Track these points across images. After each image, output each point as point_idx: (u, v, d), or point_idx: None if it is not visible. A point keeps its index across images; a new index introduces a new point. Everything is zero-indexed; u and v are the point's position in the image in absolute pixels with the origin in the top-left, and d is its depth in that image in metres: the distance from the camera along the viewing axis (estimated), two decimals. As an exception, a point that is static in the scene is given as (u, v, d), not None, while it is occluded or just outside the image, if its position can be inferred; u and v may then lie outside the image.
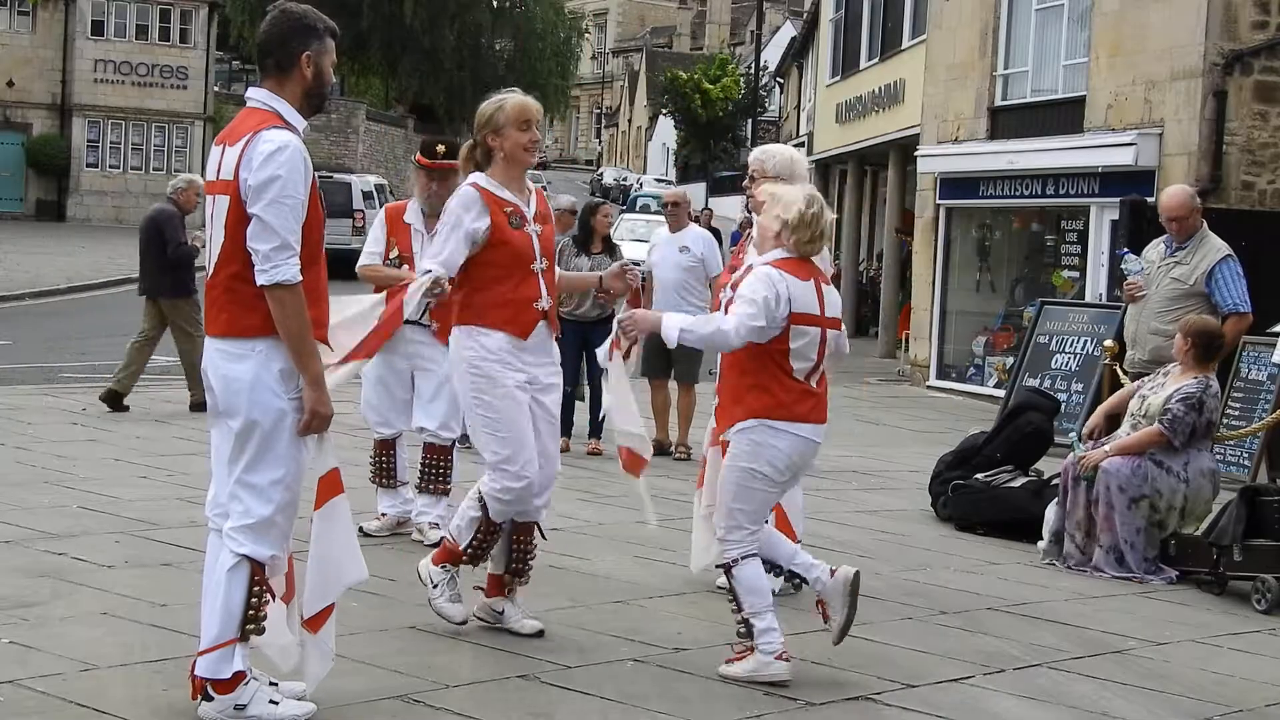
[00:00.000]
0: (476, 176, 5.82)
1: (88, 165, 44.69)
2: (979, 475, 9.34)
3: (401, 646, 5.61)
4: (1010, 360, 16.29)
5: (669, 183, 65.20)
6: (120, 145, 44.87)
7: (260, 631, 4.65)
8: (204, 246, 5.01)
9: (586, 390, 11.71)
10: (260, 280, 4.47)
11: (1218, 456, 9.00)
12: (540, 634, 5.86)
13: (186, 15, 45.60)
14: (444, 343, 7.51)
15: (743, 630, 5.60)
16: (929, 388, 19.43)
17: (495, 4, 58.73)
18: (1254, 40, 14.42)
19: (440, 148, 7.58)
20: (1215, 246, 8.93)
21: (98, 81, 44.39)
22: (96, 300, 25.01)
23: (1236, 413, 11.19)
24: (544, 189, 6.58)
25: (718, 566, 5.80)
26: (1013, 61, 18.46)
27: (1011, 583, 7.71)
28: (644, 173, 74.18)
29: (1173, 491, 8.00)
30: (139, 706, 4.77)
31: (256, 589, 4.59)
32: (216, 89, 49.34)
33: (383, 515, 7.70)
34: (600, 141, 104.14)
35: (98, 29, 44.45)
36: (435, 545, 7.33)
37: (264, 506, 4.58)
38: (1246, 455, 10.98)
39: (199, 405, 12.58)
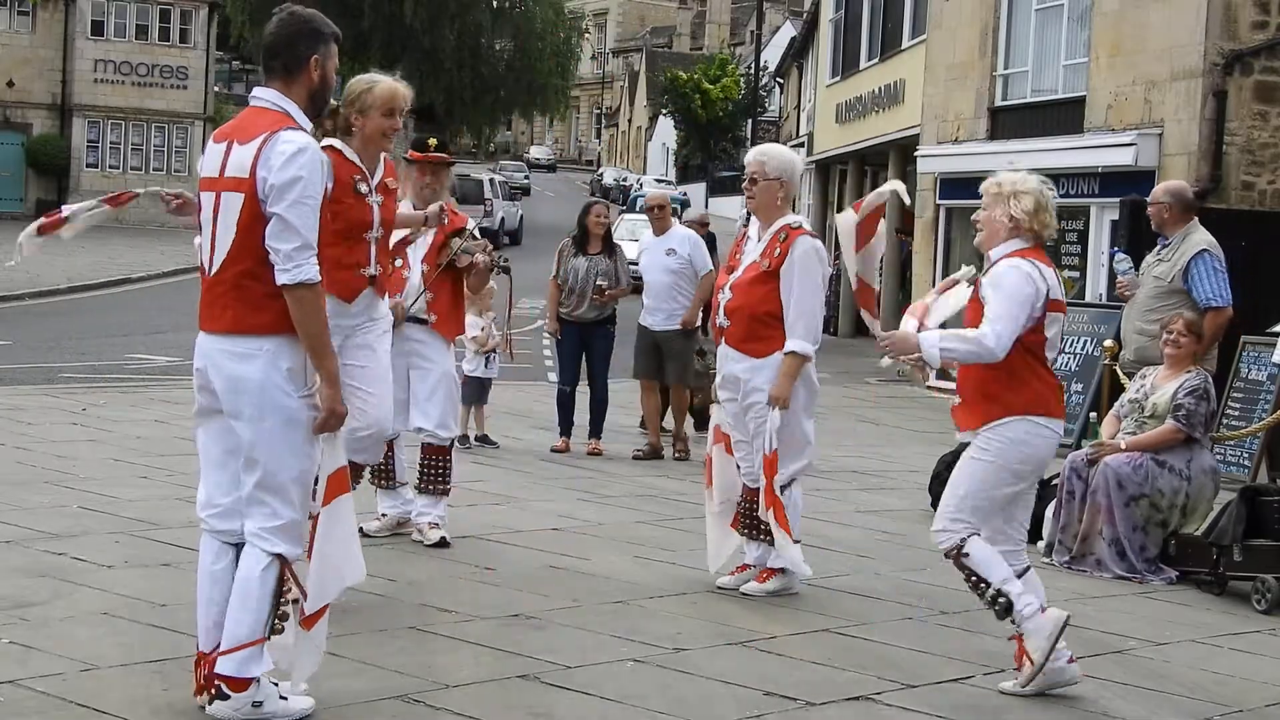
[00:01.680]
0: (333, 140, 6.08)
1: (88, 165, 44.67)
2: (979, 475, 9.32)
3: (401, 646, 5.61)
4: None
5: (669, 183, 65.19)
6: (120, 145, 44.87)
7: (281, 630, 4.68)
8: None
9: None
10: (282, 280, 4.48)
11: (1218, 456, 9.01)
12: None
13: (186, 15, 45.60)
14: (443, 333, 7.55)
15: (999, 607, 5.53)
16: (929, 388, 19.42)
17: (495, 4, 58.67)
18: (1254, 40, 14.44)
19: (431, 141, 7.71)
20: (1195, 242, 8.90)
21: (98, 81, 44.39)
22: (96, 300, 25.03)
23: (1236, 413, 11.19)
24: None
25: (946, 557, 5.65)
26: (1013, 61, 18.48)
27: (1011, 583, 7.70)
28: (644, 173, 74.13)
29: (1175, 490, 8.01)
30: (139, 706, 4.77)
31: (285, 588, 4.64)
32: (216, 89, 49.36)
33: (383, 516, 7.70)
34: (600, 141, 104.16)
35: (98, 29, 44.44)
36: (435, 545, 7.38)
37: (289, 507, 4.62)
38: (1246, 455, 10.97)
39: None
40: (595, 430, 11.31)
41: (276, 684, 4.71)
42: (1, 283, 25.24)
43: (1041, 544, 8.38)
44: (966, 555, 5.57)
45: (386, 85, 6.07)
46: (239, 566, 4.64)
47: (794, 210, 7.17)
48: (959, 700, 5.51)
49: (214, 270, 4.63)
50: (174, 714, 4.73)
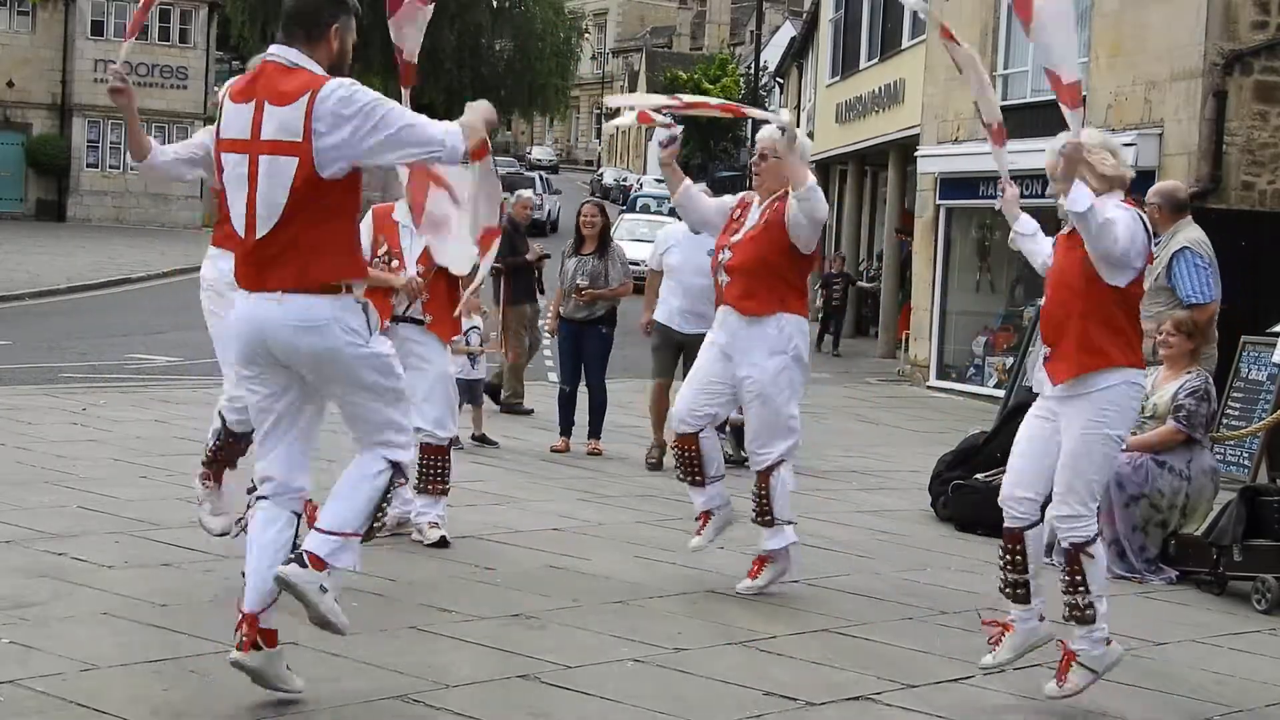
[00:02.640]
0: None
1: (88, 165, 44.70)
2: (979, 475, 9.34)
3: (401, 646, 5.61)
4: (1010, 360, 16.29)
5: (669, 183, 65.06)
6: (120, 145, 44.75)
7: (373, 536, 4.93)
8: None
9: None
10: (457, 156, 4.66)
11: (1218, 456, 9.01)
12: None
13: (186, 15, 45.62)
14: (438, 334, 7.56)
15: (1081, 615, 5.44)
16: (929, 388, 19.43)
17: (495, 4, 58.62)
18: (1254, 40, 14.43)
19: None
20: (1178, 240, 8.92)
21: (98, 81, 44.26)
22: (96, 300, 25.02)
23: (1236, 413, 11.19)
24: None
25: (1072, 547, 5.45)
26: (1013, 61, 18.47)
27: (1011, 583, 7.70)
28: (644, 173, 74.07)
29: (1175, 491, 8.01)
30: (139, 706, 4.77)
31: (389, 497, 4.87)
32: (216, 89, 49.29)
33: (382, 515, 7.69)
34: (600, 141, 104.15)
35: (98, 29, 44.43)
36: (435, 545, 7.38)
37: (404, 427, 4.87)
38: (1246, 455, 10.97)
39: (509, 408, 12.75)
40: (594, 430, 11.30)
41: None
42: (1, 283, 25.25)
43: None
44: (1091, 556, 5.45)
45: None
46: (355, 464, 4.83)
47: None
48: (959, 700, 5.51)
49: (262, 233, 4.64)
50: (174, 714, 4.73)
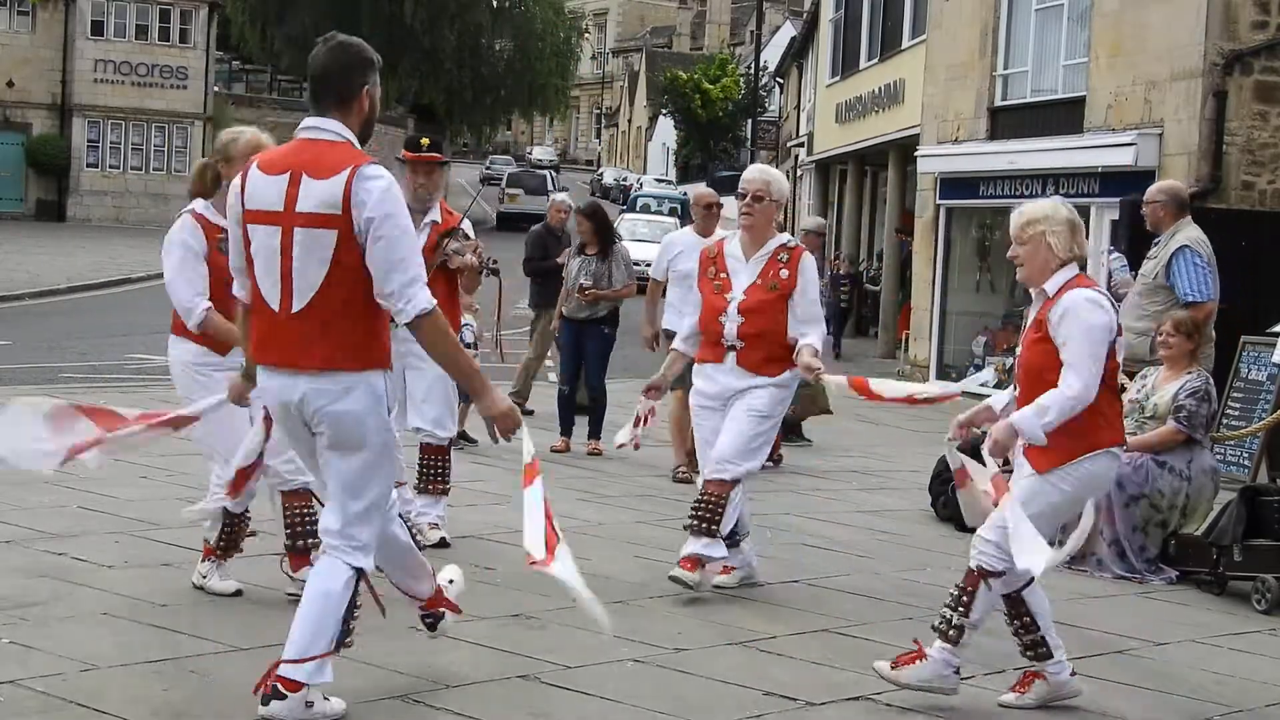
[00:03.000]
0: (197, 203, 6.28)
1: (88, 165, 44.70)
2: (979, 475, 9.33)
3: (401, 646, 5.61)
4: (1010, 360, 16.29)
5: (669, 183, 65.10)
6: (120, 145, 44.89)
7: (350, 645, 4.82)
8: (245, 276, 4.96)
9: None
10: (403, 319, 4.53)
11: (1218, 456, 9.01)
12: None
13: (186, 15, 45.60)
14: None
15: (1033, 653, 5.48)
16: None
17: (495, 4, 58.62)
18: (1254, 40, 14.42)
19: (424, 141, 7.74)
20: (1178, 239, 8.93)
21: (98, 81, 44.39)
22: (96, 300, 25.03)
23: (1236, 413, 11.19)
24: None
25: (982, 577, 5.41)
26: (1013, 61, 18.47)
27: (1011, 583, 7.70)
28: (644, 173, 74.12)
29: (1175, 491, 8.01)
30: (139, 706, 4.77)
31: (357, 602, 4.76)
32: (216, 89, 49.32)
33: (383, 515, 7.69)
34: (600, 141, 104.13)
35: (98, 29, 44.45)
36: (435, 545, 7.37)
37: (374, 526, 4.76)
38: (1246, 455, 10.97)
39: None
40: (594, 431, 11.30)
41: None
42: (1, 283, 25.26)
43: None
44: (990, 589, 5.43)
45: (251, 135, 6.17)
46: (316, 578, 4.71)
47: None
48: (959, 700, 5.51)
49: (297, 307, 4.59)
50: (174, 714, 4.73)
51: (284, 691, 4.58)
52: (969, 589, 5.40)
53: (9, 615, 5.71)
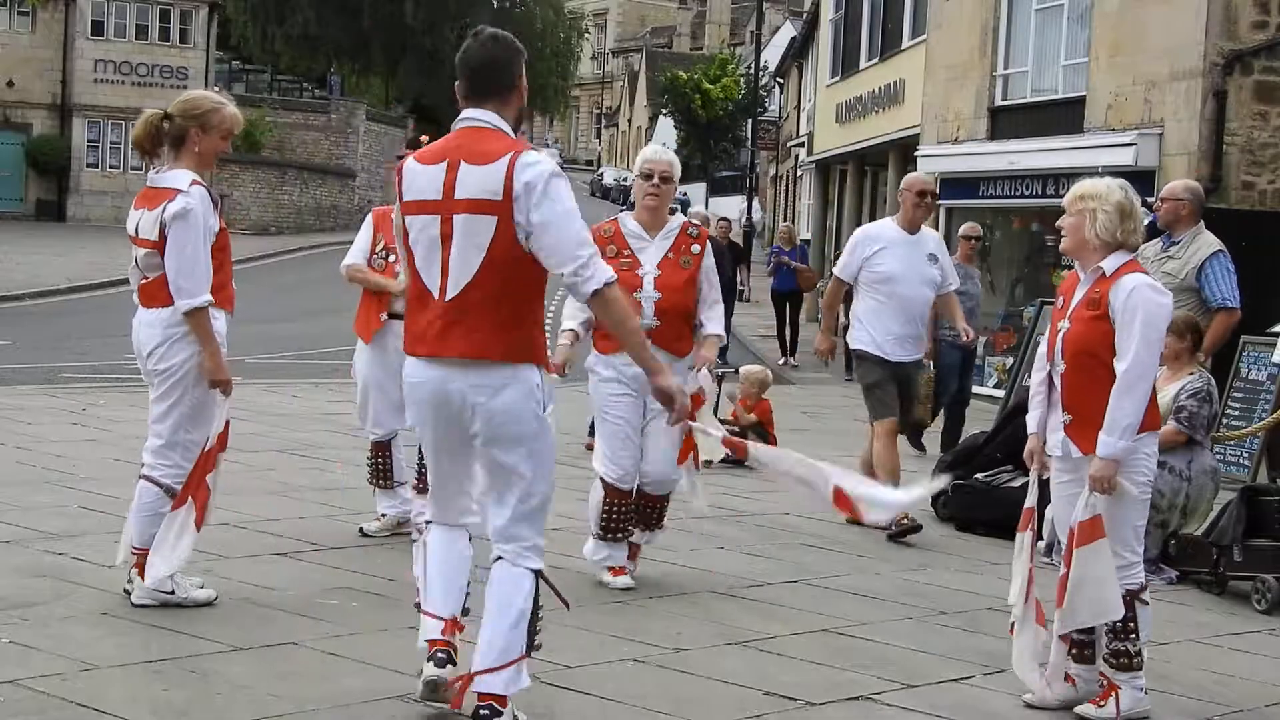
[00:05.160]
0: (188, 173, 5.93)
1: (88, 165, 44.69)
2: (979, 475, 9.34)
3: (401, 646, 5.60)
4: (1010, 360, 16.29)
5: (669, 183, 64.96)
6: (120, 145, 44.81)
7: (539, 646, 4.77)
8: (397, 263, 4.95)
9: None
10: (587, 289, 4.48)
11: (1218, 456, 9.00)
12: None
13: (186, 15, 45.61)
14: None
15: (1128, 662, 5.39)
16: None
17: (495, 4, 58.65)
18: (1254, 40, 14.43)
19: (424, 139, 7.74)
20: (1207, 242, 8.93)
21: (98, 81, 44.39)
22: (96, 300, 25.01)
23: (1236, 413, 11.19)
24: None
25: (1127, 594, 5.35)
26: (1013, 61, 18.48)
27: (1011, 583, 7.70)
28: (644, 173, 74.04)
29: (1175, 491, 8.01)
30: (139, 706, 4.77)
31: (540, 603, 4.75)
32: (216, 89, 49.28)
33: (382, 516, 7.70)
34: (600, 141, 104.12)
35: (98, 29, 44.45)
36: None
37: (541, 526, 4.76)
38: (1246, 455, 10.98)
39: None
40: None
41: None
42: (1, 283, 25.25)
43: (1042, 544, 8.37)
44: (1145, 603, 5.46)
45: (234, 110, 6.10)
46: (500, 583, 4.69)
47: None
48: (959, 700, 5.51)
49: (453, 293, 4.56)
50: (174, 714, 4.73)
51: (498, 708, 4.56)
52: (1129, 615, 5.38)
53: (9, 615, 5.71)
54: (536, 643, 4.73)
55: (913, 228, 8.80)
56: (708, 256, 6.99)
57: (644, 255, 6.90)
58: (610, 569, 6.92)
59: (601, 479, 6.89)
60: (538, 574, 4.71)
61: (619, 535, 6.92)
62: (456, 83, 4.76)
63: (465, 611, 4.90)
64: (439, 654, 4.81)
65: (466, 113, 4.70)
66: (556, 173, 4.56)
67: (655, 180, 6.96)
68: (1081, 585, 5.31)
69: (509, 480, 4.65)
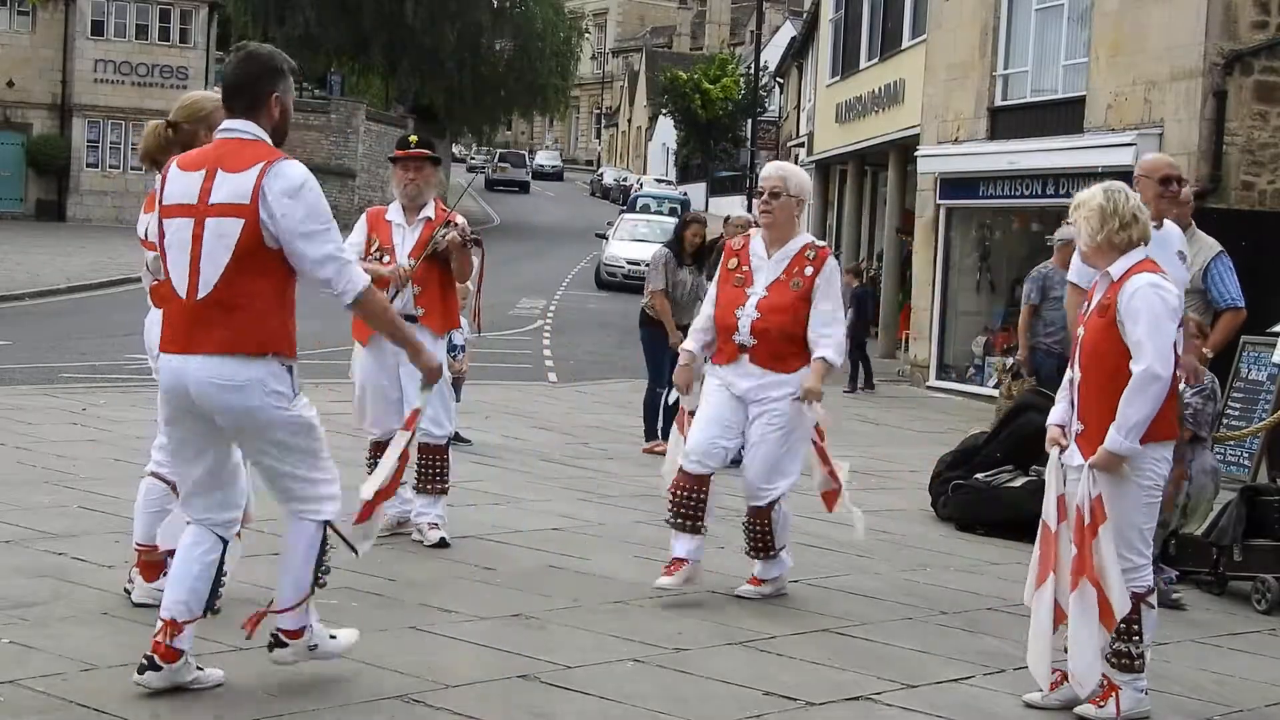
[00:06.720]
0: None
1: (88, 165, 44.68)
2: (979, 475, 9.34)
3: (401, 646, 5.61)
4: (1010, 360, 16.29)
5: (669, 183, 65.11)
6: (120, 145, 44.84)
7: (324, 585, 5.09)
8: (156, 267, 5.11)
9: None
10: (346, 302, 4.80)
11: (1218, 456, 9.00)
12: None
13: (186, 15, 45.60)
14: (433, 328, 7.52)
15: (1130, 663, 5.39)
16: (929, 388, 19.44)
17: (495, 4, 58.60)
18: (1254, 40, 14.44)
19: (412, 139, 7.85)
20: (1210, 243, 8.92)
21: (98, 81, 44.39)
22: (96, 300, 25.02)
23: (1236, 413, 11.20)
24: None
25: (1133, 596, 5.33)
26: (1013, 61, 18.49)
27: (1011, 583, 7.68)
28: (644, 173, 74.12)
29: (1175, 491, 8.01)
30: (139, 706, 4.76)
31: (328, 547, 5.05)
32: (216, 89, 49.26)
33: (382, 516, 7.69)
34: (600, 142, 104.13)
35: (98, 29, 44.44)
36: (435, 545, 7.38)
37: (325, 478, 4.96)
38: (1246, 455, 10.99)
39: None
40: (662, 432, 11.14)
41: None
42: (1, 283, 25.26)
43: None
44: (1151, 606, 5.46)
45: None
46: (291, 535, 4.97)
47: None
48: (959, 700, 5.51)
49: (202, 294, 4.74)
50: (174, 714, 4.73)
51: (286, 640, 4.98)
52: (1133, 617, 5.37)
53: (9, 615, 5.70)
54: (321, 581, 5.02)
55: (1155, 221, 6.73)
56: (823, 276, 6.78)
57: (758, 275, 6.83)
58: (665, 566, 6.79)
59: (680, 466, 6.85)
60: (324, 523, 4.98)
61: (685, 524, 6.75)
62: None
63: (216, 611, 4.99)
64: (144, 658, 4.89)
65: (226, 123, 4.93)
66: (309, 183, 4.77)
67: (765, 196, 6.87)
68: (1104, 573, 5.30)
69: (270, 469, 4.90)
